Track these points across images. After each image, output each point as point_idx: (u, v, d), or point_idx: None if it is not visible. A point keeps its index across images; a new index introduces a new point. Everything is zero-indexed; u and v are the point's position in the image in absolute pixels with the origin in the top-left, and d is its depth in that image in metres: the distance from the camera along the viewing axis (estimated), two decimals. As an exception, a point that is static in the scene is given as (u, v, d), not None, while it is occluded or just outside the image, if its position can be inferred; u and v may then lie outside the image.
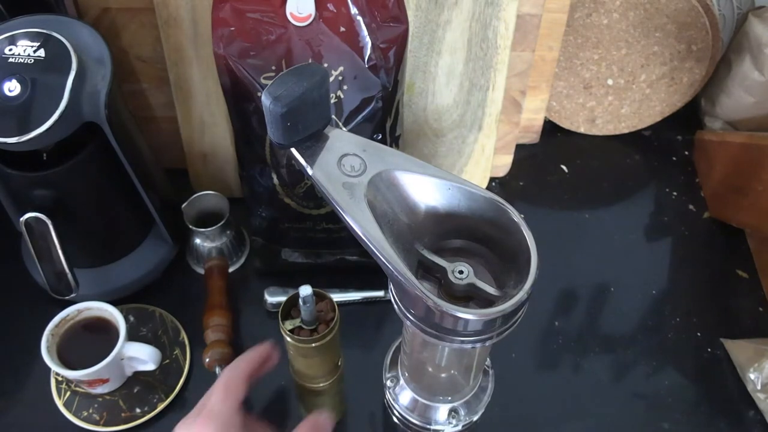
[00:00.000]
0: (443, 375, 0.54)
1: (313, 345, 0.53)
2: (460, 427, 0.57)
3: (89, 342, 0.64)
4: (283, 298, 0.73)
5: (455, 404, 0.57)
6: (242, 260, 0.77)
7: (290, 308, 0.55)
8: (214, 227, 0.71)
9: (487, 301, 0.42)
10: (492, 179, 0.85)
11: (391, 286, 0.42)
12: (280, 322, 0.53)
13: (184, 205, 0.72)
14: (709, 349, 0.73)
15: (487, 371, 0.59)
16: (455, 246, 0.45)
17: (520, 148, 0.86)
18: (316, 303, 0.53)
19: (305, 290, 0.50)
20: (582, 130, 0.90)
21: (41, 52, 0.56)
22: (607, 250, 0.81)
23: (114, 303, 0.66)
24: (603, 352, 0.72)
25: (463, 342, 0.41)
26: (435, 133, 0.77)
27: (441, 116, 0.76)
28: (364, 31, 0.59)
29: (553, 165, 0.88)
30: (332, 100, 0.61)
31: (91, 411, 0.65)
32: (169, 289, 0.74)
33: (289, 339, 0.53)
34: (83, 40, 0.59)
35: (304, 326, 0.54)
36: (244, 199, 0.72)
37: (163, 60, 0.71)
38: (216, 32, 0.59)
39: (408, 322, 0.42)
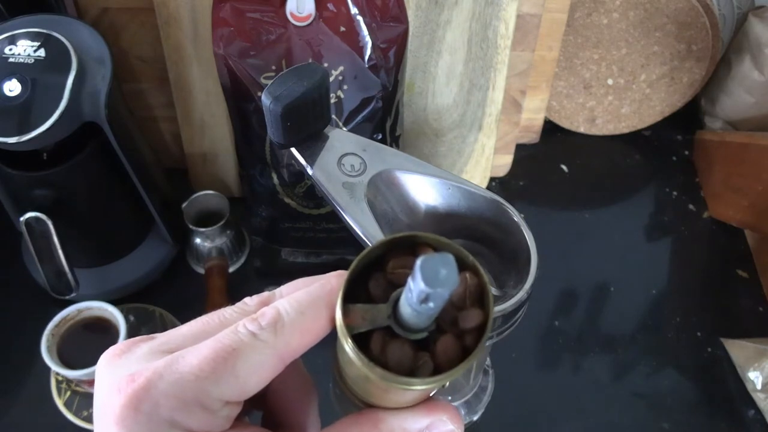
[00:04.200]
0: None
1: (415, 387, 0.24)
2: (460, 427, 0.57)
3: (89, 342, 0.64)
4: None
5: (455, 404, 0.57)
6: (242, 260, 0.77)
7: (368, 276, 0.25)
8: (214, 227, 0.71)
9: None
10: (492, 179, 0.85)
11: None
12: (339, 309, 0.25)
13: (184, 205, 0.72)
14: (709, 349, 0.73)
15: (487, 371, 0.59)
16: (455, 246, 0.45)
17: (520, 147, 0.86)
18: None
19: (434, 260, 0.21)
20: (582, 130, 0.90)
21: (41, 52, 0.56)
22: (607, 250, 0.81)
23: (114, 303, 0.65)
24: (603, 352, 0.72)
25: (463, 342, 0.41)
26: (435, 133, 0.77)
27: (441, 116, 0.76)
28: (364, 31, 0.59)
29: (553, 165, 0.88)
30: (332, 100, 0.61)
31: (91, 411, 0.65)
32: (169, 289, 0.74)
33: (352, 356, 0.24)
34: (83, 40, 0.59)
35: (398, 331, 0.24)
36: (244, 199, 0.72)
37: (163, 60, 0.71)
38: (216, 32, 0.59)
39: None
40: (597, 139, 0.91)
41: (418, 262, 0.21)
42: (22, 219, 0.60)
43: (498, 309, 0.39)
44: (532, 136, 0.89)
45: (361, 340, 0.24)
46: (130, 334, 0.65)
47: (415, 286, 0.21)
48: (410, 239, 0.25)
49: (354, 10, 0.59)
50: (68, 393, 0.66)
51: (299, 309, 0.26)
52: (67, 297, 0.64)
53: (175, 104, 0.74)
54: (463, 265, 0.25)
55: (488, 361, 0.59)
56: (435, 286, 0.21)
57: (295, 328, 0.26)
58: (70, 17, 0.61)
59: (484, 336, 0.24)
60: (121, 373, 0.25)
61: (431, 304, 0.22)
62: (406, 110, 0.74)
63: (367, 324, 0.24)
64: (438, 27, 0.70)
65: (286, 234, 0.70)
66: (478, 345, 0.24)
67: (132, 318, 0.70)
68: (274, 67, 0.60)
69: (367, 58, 0.60)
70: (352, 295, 0.25)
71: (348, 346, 0.24)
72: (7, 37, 0.57)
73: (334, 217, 0.55)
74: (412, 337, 0.24)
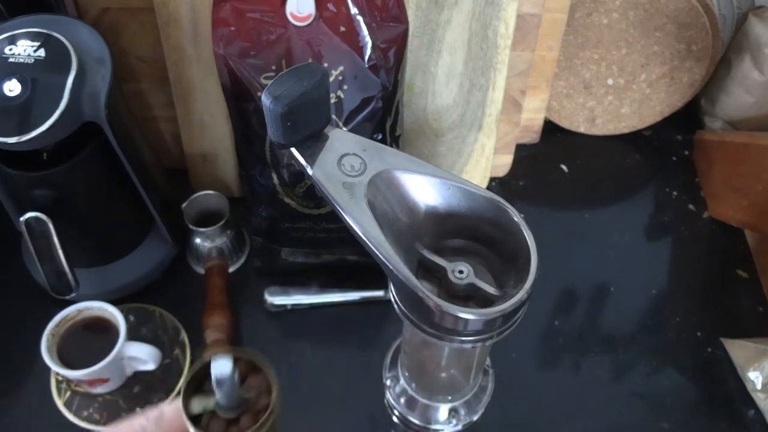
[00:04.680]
0: (443, 375, 0.54)
1: None
2: (460, 427, 0.57)
3: (89, 342, 0.64)
4: (284, 299, 0.73)
5: (455, 404, 0.57)
6: (242, 260, 0.77)
7: (203, 378, 0.42)
8: (214, 227, 0.72)
9: (487, 301, 0.42)
10: (492, 179, 0.85)
11: (391, 286, 0.42)
12: (182, 401, 0.41)
13: (184, 205, 0.72)
14: (709, 349, 0.73)
15: (487, 371, 0.59)
16: (455, 246, 0.45)
17: (520, 148, 0.86)
18: (245, 377, 0.42)
19: (222, 366, 0.38)
20: (582, 130, 0.90)
21: (41, 52, 0.56)
22: (607, 250, 0.81)
23: (114, 303, 0.66)
24: (603, 352, 0.72)
25: (463, 342, 0.41)
26: (435, 133, 0.77)
27: (441, 116, 0.76)
28: (364, 31, 0.59)
29: (553, 165, 0.88)
30: (332, 100, 0.61)
31: (91, 411, 0.65)
32: (169, 289, 0.74)
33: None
34: (83, 40, 0.59)
35: (219, 413, 0.41)
36: (244, 199, 0.72)
37: (163, 60, 0.71)
38: (216, 32, 0.59)
39: (408, 322, 0.42)
40: (597, 139, 0.91)
41: (213, 364, 0.38)
42: (22, 219, 0.60)
43: (498, 309, 0.39)
44: (532, 136, 0.89)
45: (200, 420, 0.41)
46: (130, 333, 0.65)
47: (213, 379, 0.38)
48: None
49: (354, 10, 0.59)
50: (68, 393, 0.66)
51: (177, 409, 0.39)
52: (67, 297, 0.64)
53: (175, 104, 0.74)
54: (256, 368, 0.42)
55: (488, 361, 0.58)
56: (220, 373, 0.38)
57: (170, 424, 0.39)
58: (70, 17, 0.61)
59: (269, 412, 0.40)
60: None
61: (224, 386, 0.38)
62: (406, 110, 0.74)
63: (201, 409, 0.40)
64: (438, 27, 0.70)
65: (286, 234, 0.70)
66: (266, 416, 0.40)
67: (132, 318, 0.70)
68: (274, 67, 0.60)
69: (367, 58, 0.60)
70: (200, 385, 0.41)
71: (189, 425, 0.40)
72: (7, 37, 0.57)
73: (334, 217, 0.55)
74: (226, 416, 0.40)
